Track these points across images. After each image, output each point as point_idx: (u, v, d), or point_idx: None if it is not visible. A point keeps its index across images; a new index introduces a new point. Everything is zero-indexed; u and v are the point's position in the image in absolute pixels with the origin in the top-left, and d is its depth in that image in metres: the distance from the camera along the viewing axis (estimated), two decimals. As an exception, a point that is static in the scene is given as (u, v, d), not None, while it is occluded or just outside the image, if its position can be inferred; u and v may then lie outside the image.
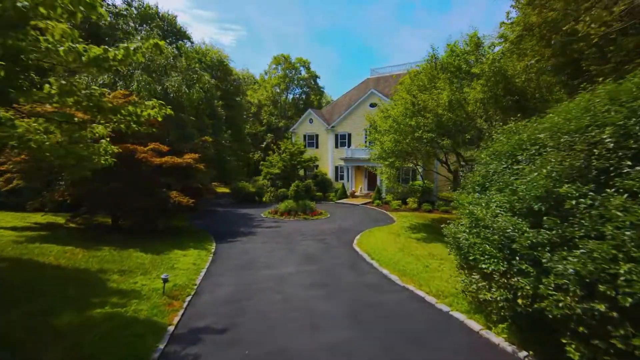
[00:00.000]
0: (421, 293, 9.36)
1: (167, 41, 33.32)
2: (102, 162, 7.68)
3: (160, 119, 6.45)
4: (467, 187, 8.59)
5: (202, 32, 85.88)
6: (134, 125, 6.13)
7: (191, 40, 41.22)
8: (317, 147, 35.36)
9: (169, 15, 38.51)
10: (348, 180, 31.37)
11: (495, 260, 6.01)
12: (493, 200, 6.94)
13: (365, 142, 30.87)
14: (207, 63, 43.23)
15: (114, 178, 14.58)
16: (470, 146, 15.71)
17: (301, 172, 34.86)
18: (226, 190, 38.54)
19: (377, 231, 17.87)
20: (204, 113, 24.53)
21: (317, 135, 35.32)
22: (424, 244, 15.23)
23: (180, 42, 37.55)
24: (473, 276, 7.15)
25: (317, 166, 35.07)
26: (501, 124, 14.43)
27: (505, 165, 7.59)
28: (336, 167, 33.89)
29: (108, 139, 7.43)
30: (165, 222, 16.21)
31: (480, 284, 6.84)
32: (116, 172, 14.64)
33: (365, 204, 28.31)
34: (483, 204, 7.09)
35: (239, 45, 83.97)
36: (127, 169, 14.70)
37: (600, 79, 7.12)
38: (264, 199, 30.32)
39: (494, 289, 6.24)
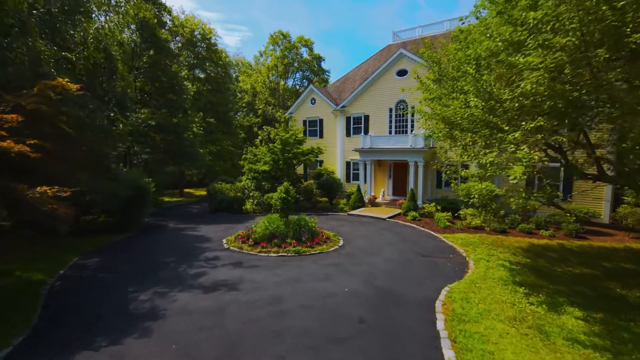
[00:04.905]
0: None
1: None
2: None
3: None
4: None
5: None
6: None
7: (170, 12, 29.86)
8: (321, 136, 24.16)
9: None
10: (365, 181, 20.17)
11: None
12: None
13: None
14: (186, 37, 32.29)
15: None
16: None
17: (299, 169, 23.71)
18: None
19: (474, 312, 6.52)
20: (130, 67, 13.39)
21: (321, 121, 24.12)
22: None
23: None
24: None
25: (321, 162, 23.92)
26: None
27: None
28: (347, 163, 22.67)
29: None
30: None
31: None
32: None
33: (393, 217, 17.08)
34: None
35: (244, 45, 73.26)
36: None
37: None
38: (245, 207, 19.20)
39: None
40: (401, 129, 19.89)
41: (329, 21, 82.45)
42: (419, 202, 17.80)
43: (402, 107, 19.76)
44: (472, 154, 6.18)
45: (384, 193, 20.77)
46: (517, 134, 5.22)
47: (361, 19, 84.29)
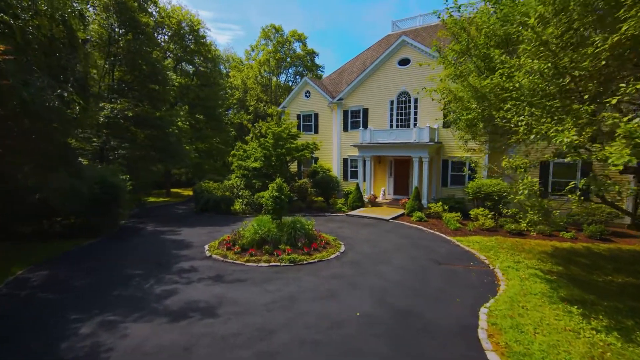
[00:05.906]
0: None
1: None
2: None
3: None
4: None
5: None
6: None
7: (157, 2, 27.51)
8: (316, 131, 22.32)
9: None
10: (365, 179, 18.40)
11: None
12: None
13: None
14: (173, 28, 30.10)
15: None
16: None
17: (293, 167, 21.85)
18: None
19: (537, 349, 4.67)
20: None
21: (316, 115, 22.28)
22: None
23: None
24: None
25: (316, 159, 22.09)
26: None
27: None
28: (345, 160, 20.87)
29: None
30: None
31: None
32: None
33: (396, 217, 15.34)
34: None
35: (236, 43, 70.86)
36: None
37: None
38: (234, 207, 17.22)
39: None
40: (403, 123, 18.17)
41: (324, 21, 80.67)
42: (424, 201, 16.11)
43: (404, 98, 18.07)
44: (542, 132, 4.48)
45: (384, 192, 19.03)
46: (613, 101, 3.51)
47: (356, 20, 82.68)
